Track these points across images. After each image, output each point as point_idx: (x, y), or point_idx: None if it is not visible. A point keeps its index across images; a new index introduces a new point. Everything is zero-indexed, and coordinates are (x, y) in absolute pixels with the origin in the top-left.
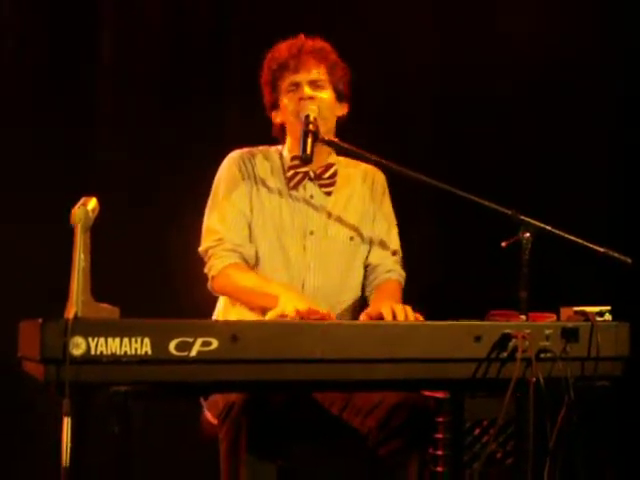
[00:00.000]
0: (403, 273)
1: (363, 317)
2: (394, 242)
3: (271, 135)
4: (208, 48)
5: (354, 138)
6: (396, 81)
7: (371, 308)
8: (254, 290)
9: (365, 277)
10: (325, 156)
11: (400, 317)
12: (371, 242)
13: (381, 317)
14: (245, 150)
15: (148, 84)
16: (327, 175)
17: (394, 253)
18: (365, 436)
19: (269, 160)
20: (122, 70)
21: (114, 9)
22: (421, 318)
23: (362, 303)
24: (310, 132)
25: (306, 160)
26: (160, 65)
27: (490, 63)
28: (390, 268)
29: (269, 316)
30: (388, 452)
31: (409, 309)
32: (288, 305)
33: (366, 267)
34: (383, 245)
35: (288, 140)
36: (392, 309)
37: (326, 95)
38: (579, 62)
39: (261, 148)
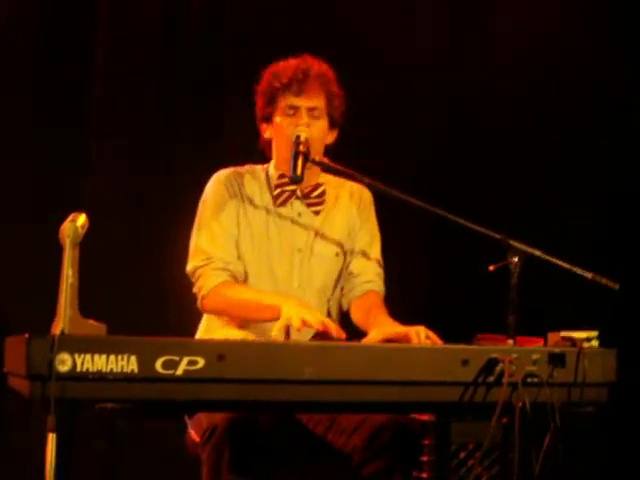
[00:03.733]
0: (382, 286)
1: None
2: (375, 255)
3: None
4: (205, 63)
5: (345, 160)
6: (383, 104)
7: (381, 331)
8: (251, 303)
9: (342, 285)
10: (314, 176)
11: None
12: (352, 252)
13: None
14: (231, 169)
15: (142, 97)
16: (315, 194)
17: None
18: (349, 455)
19: (255, 179)
20: (116, 82)
21: (109, 16)
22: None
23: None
24: (301, 153)
25: (296, 181)
26: (155, 77)
27: (476, 74)
28: (370, 279)
29: (276, 330)
30: (372, 472)
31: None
32: (293, 314)
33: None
34: (365, 255)
35: (275, 158)
36: (417, 333)
37: (321, 125)
38: (563, 73)
39: (247, 167)
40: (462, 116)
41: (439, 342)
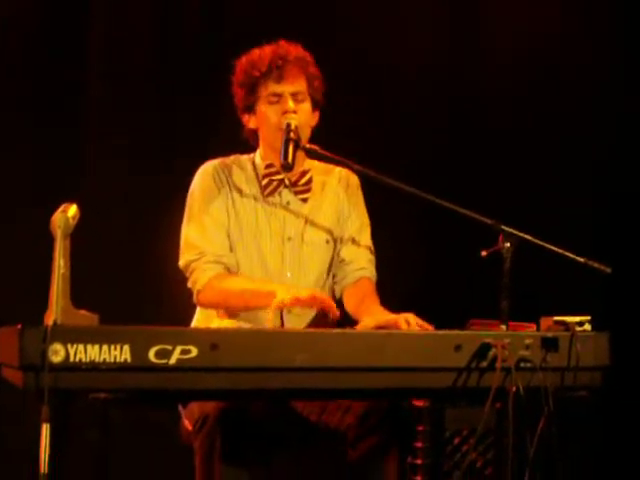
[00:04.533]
0: (374, 272)
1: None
2: (365, 241)
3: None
4: (205, 63)
5: (336, 146)
6: (379, 93)
7: (374, 319)
8: (247, 291)
9: (334, 273)
10: (300, 163)
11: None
12: (342, 239)
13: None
14: (217, 160)
15: (142, 97)
16: (302, 182)
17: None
18: (344, 433)
19: (242, 169)
20: (115, 82)
21: (109, 16)
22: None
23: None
24: (292, 140)
25: (287, 168)
26: (155, 77)
27: (476, 74)
28: (362, 266)
29: (271, 311)
30: (367, 448)
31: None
32: (286, 295)
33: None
34: (355, 242)
35: (261, 148)
36: (406, 320)
37: (306, 108)
38: (563, 73)
39: (232, 158)
40: (462, 116)
41: (429, 328)
